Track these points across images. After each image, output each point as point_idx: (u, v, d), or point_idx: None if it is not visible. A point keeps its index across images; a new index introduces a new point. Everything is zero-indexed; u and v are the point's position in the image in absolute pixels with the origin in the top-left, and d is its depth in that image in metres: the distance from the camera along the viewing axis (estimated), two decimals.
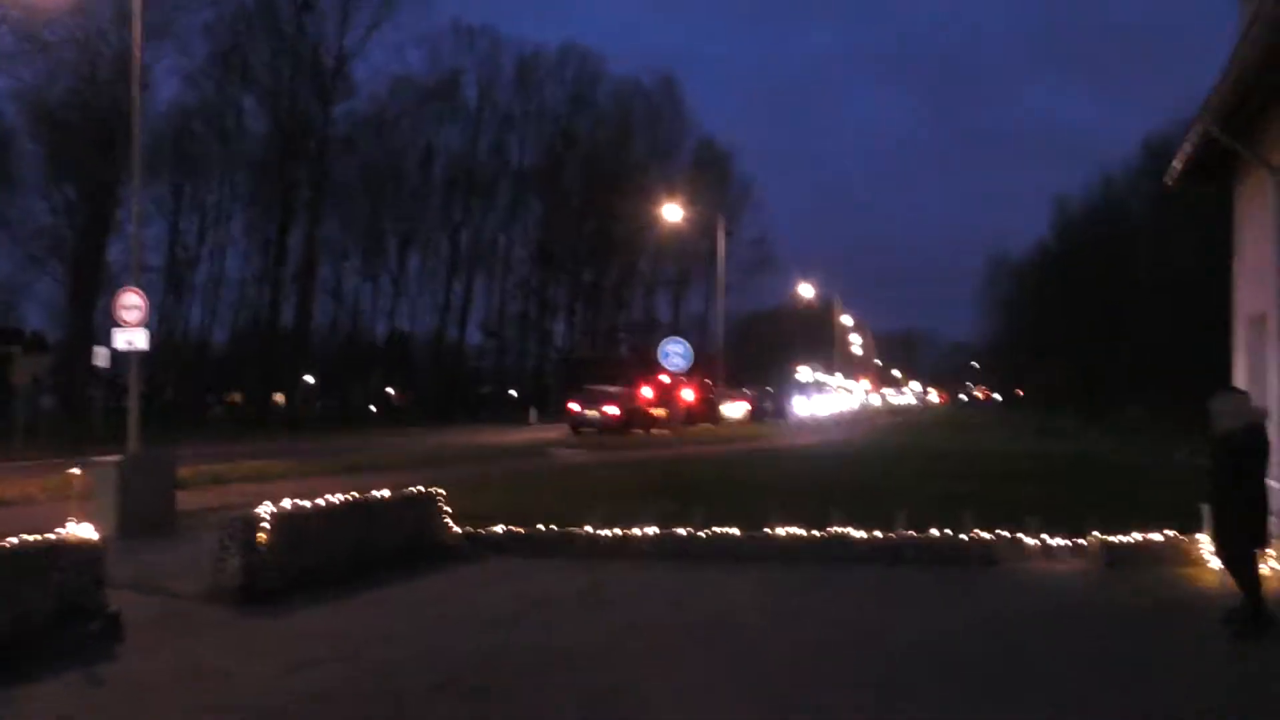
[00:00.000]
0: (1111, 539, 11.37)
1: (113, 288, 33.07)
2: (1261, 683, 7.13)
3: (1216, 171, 13.50)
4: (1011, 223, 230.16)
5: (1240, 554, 8.21)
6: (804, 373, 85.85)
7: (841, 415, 71.85)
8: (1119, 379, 63.04)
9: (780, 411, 63.06)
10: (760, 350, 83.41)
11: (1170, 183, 14.43)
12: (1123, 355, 60.41)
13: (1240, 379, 13.14)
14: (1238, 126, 11.17)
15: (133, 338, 16.90)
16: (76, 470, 13.07)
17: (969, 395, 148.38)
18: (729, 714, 6.47)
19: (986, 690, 6.86)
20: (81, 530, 8.25)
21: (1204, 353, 26.00)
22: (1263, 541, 8.27)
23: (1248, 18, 10.87)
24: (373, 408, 66.48)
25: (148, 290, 18.14)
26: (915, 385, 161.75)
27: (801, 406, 71.30)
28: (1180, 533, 11.19)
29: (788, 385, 79.66)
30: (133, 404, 17.18)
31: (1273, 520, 10.02)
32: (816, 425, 54.41)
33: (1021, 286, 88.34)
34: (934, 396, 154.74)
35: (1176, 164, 13.42)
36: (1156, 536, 11.33)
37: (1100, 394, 66.48)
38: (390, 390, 72.06)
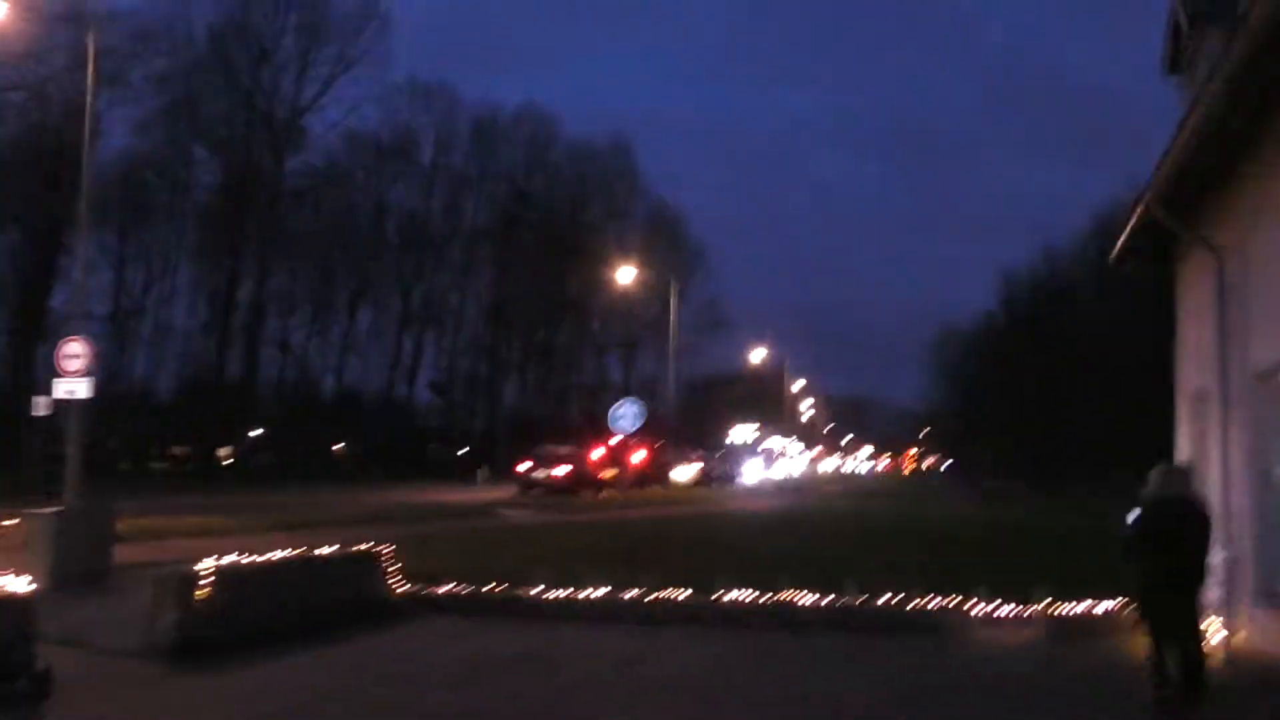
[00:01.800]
0: (1056, 610, 11.43)
1: (56, 335, 32.56)
2: None
3: (1159, 250, 13.80)
4: (965, 291, 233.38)
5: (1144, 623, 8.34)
6: (752, 436, 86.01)
7: (791, 480, 71.92)
8: (1063, 451, 63.79)
9: (730, 475, 63.04)
10: (711, 413, 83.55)
11: (1113, 261, 14.73)
12: (1066, 427, 61.18)
13: (1183, 451, 13.35)
14: (1178, 207, 11.44)
15: (74, 387, 16.63)
16: (11, 521, 12.74)
17: (917, 463, 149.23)
18: None
19: None
20: (14, 583, 8.04)
21: (1147, 426, 26.37)
22: (1148, 620, 8.31)
23: (1187, 102, 11.20)
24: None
25: (91, 339, 17.86)
26: (866, 449, 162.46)
27: (751, 471, 71.35)
28: (1127, 603, 11.26)
29: (738, 449, 79.75)
30: (73, 454, 16.87)
31: (1216, 594, 10.14)
32: (766, 490, 54.40)
33: (969, 357, 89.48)
34: (879, 465, 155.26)
35: (1119, 242, 13.70)
36: (1101, 607, 11.40)
37: (1045, 465, 67.21)
38: (337, 447, 71.23)
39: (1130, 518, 8.43)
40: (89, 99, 18.50)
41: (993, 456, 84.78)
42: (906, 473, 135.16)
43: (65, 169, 42.75)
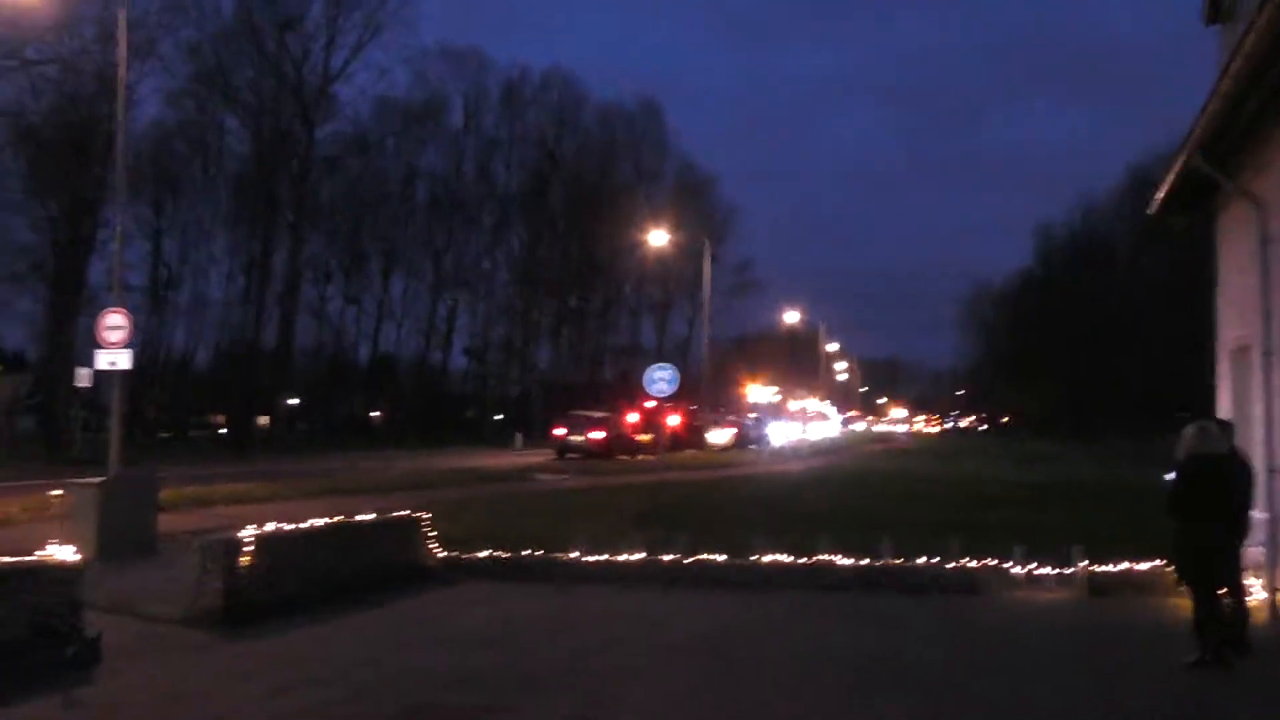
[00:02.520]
0: (1096, 568, 11.37)
1: (94, 307, 32.94)
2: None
3: (1198, 201, 13.60)
4: (997, 248, 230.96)
5: (1185, 584, 8.28)
6: (776, 398, 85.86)
7: (826, 442, 71.80)
8: (1104, 405, 63.34)
9: (765, 438, 63.01)
10: (746, 376, 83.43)
11: (1152, 213, 14.52)
12: (1107, 382, 60.73)
13: (1224, 408, 13.20)
14: (1219, 157, 11.26)
15: (116, 358, 16.79)
16: (57, 491, 12.93)
17: (954, 422, 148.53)
18: None
19: (957, 711, 6.82)
20: (61, 552, 8.17)
21: (1189, 379, 26.12)
22: (1189, 578, 8.22)
23: (1227, 50, 10.99)
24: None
25: (129, 310, 18.02)
26: (899, 412, 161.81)
27: (787, 433, 71.27)
28: (1167, 561, 11.19)
29: (773, 412, 79.64)
30: (115, 425, 17.06)
31: (1257, 551, 10.06)
32: (802, 452, 54.37)
33: (1005, 313, 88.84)
34: (913, 426, 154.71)
35: (1159, 194, 13.51)
36: (1142, 565, 11.34)
37: (1085, 420, 66.80)
38: (374, 414, 71.77)
39: (1169, 476, 8.36)
40: (121, 71, 18.55)
41: (1031, 413, 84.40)
42: (937, 432, 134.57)
43: (98, 142, 43.08)
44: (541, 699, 7.11)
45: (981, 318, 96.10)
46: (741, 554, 12.10)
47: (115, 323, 16.74)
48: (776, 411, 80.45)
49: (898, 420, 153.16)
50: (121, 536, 12.75)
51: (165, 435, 52.79)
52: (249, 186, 58.03)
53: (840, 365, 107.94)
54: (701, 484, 26.81)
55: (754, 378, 79.45)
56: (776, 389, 79.37)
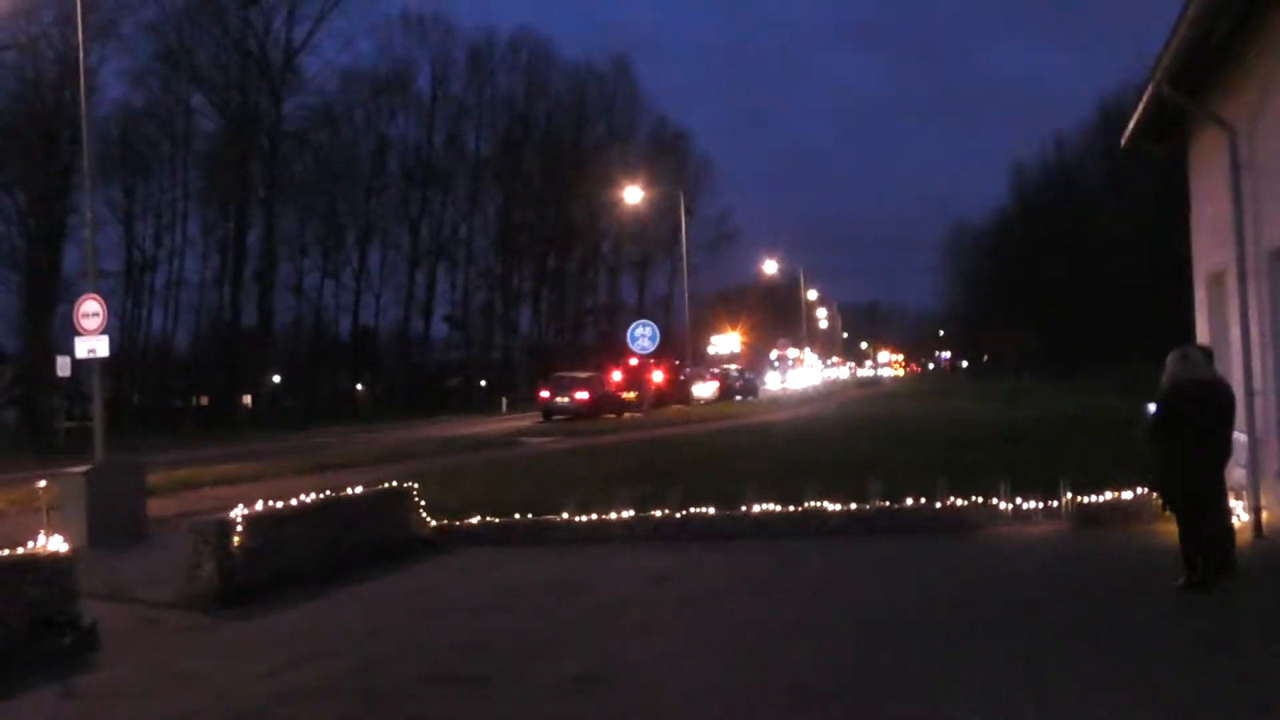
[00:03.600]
0: (1082, 499, 11.49)
1: (70, 295, 32.70)
2: (1215, 639, 7.20)
3: (1170, 130, 13.60)
4: (977, 187, 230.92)
5: (1170, 510, 8.39)
6: (784, 350, 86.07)
7: (810, 390, 72.06)
8: (1084, 340, 63.65)
9: (750, 389, 63.20)
10: (728, 328, 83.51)
11: (1124, 143, 14.53)
12: (1086, 316, 60.99)
13: (1202, 334, 13.29)
14: (1189, 84, 11.25)
15: (94, 345, 16.64)
16: (43, 482, 12.89)
17: (935, 364, 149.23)
18: (713, 682, 6.49)
19: (961, 648, 6.90)
20: (52, 543, 8.16)
21: (1167, 308, 26.27)
22: (1175, 504, 8.32)
23: None
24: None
25: (106, 296, 17.86)
26: (883, 356, 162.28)
27: (770, 383, 71.50)
28: (1150, 488, 11.29)
29: (756, 362, 79.84)
30: (97, 412, 16.95)
31: (1239, 472, 10.17)
32: (786, 401, 54.57)
33: (983, 253, 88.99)
34: (897, 369, 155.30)
35: (1130, 124, 13.51)
36: (1127, 494, 11.45)
37: (1066, 356, 67.14)
38: (359, 387, 71.60)
39: (1151, 407, 8.43)
40: (81, 54, 18.28)
41: (1012, 350, 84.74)
42: (912, 372, 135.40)
43: (64, 127, 42.63)
44: (548, 661, 7.16)
45: (961, 258, 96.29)
46: (732, 506, 12.17)
47: (91, 309, 16.57)
48: (768, 363, 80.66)
49: (882, 364, 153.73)
50: (111, 524, 12.74)
51: (149, 420, 52.50)
52: (219, 165, 57.54)
53: (821, 312, 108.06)
54: (688, 438, 26.90)
55: (731, 329, 79.24)
56: (741, 338, 79.02)
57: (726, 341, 77.82)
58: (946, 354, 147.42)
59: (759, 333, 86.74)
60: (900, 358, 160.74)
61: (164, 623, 8.81)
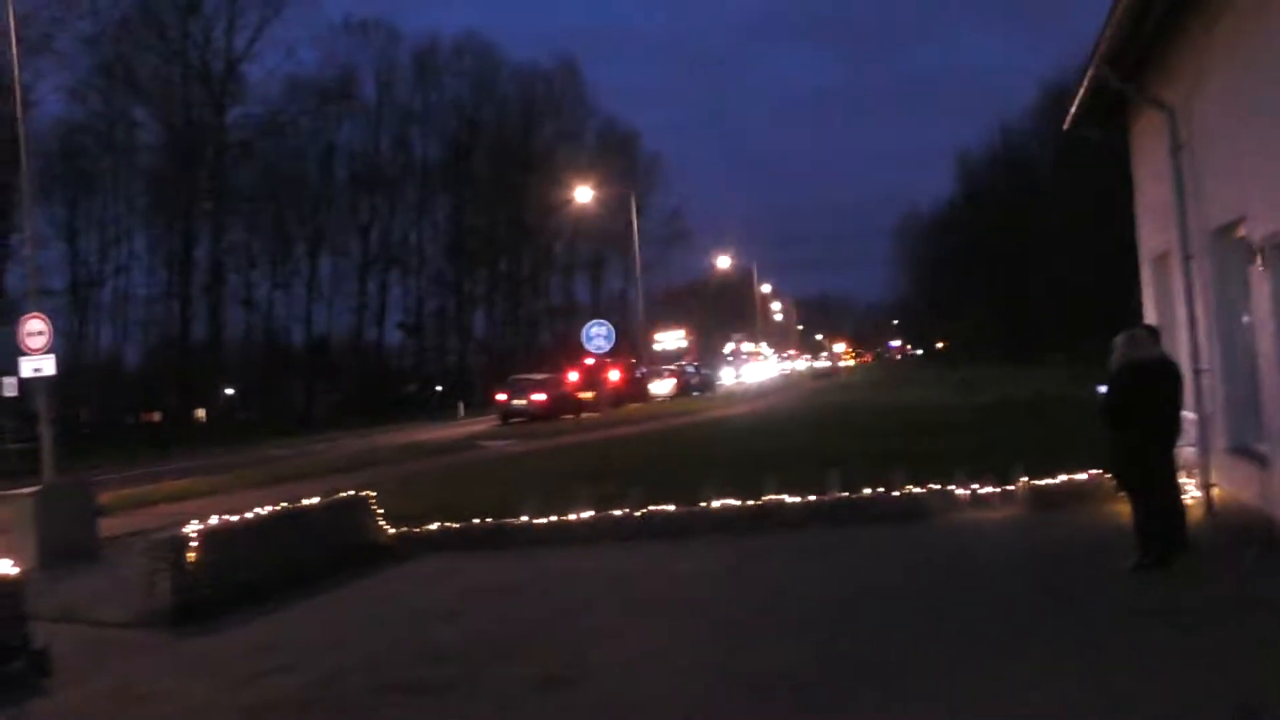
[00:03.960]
0: (1037, 483, 11.60)
1: (14, 314, 32.13)
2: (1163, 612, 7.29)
3: (1112, 113, 13.75)
4: (926, 178, 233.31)
5: (1124, 490, 8.51)
6: (738, 344, 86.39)
7: (766, 383, 72.37)
8: (1034, 324, 64.36)
9: (707, 384, 63.34)
10: (682, 325, 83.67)
11: (1067, 127, 14.68)
12: (1036, 300, 61.66)
13: (1149, 315, 13.47)
14: (1127, 67, 11.38)
15: (40, 364, 16.41)
16: None
17: (886, 353, 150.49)
18: (676, 681, 6.48)
19: (920, 635, 6.94)
20: (0, 565, 8.00)
21: (1116, 290, 26.60)
22: (1127, 484, 8.45)
23: None
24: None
25: (51, 314, 17.61)
26: (838, 347, 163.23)
27: (726, 377, 71.69)
28: (1105, 469, 11.42)
29: (711, 358, 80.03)
30: (45, 432, 16.70)
31: (1189, 451, 10.31)
32: (743, 395, 54.73)
33: (933, 241, 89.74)
34: (847, 359, 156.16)
35: (1072, 108, 13.65)
36: (1080, 476, 11.57)
37: (1018, 340, 67.83)
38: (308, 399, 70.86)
39: (1102, 389, 8.53)
40: (16, 69, 18.00)
41: (963, 337, 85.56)
42: (863, 362, 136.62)
43: (2, 146, 41.83)
44: (511, 665, 7.12)
45: (911, 247, 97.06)
46: (692, 502, 12.17)
47: (36, 328, 16.34)
48: (723, 358, 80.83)
49: (837, 356, 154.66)
50: (62, 545, 12.52)
51: (99, 438, 51.75)
52: (164, 178, 56.83)
53: (775, 306, 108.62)
54: (646, 436, 26.89)
55: (675, 325, 79.04)
56: (684, 334, 78.80)
57: (671, 338, 77.40)
58: (895, 343, 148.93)
59: (712, 328, 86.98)
60: (847, 348, 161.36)
61: (120, 643, 8.68)
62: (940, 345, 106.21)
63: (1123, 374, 8.31)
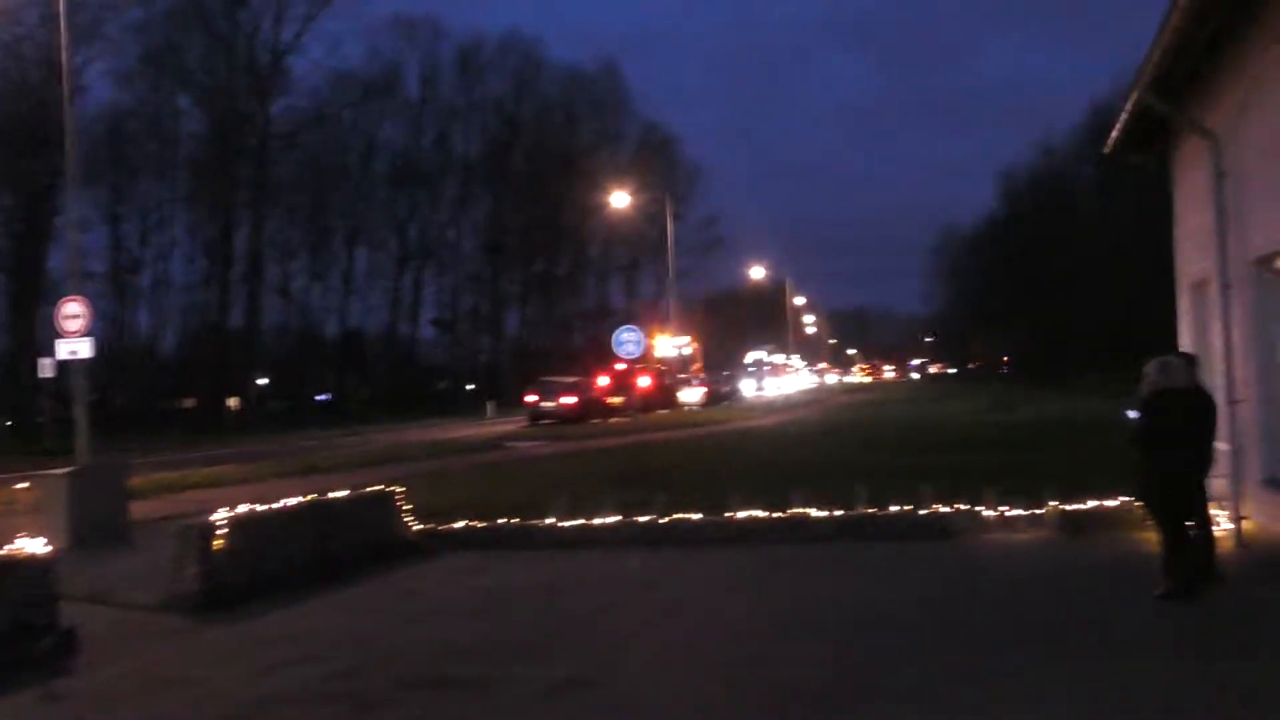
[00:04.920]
0: (1067, 507, 11.51)
1: (55, 296, 32.60)
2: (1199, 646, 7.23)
3: (1155, 138, 13.67)
4: (966, 192, 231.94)
5: (1153, 519, 8.44)
6: (759, 355, 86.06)
7: (797, 395, 72.15)
8: (1070, 346, 63.88)
9: (737, 394, 63.23)
10: (715, 334, 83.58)
11: (1109, 151, 14.59)
12: (1073, 321, 61.19)
13: (1185, 342, 13.35)
14: (1171, 93, 11.31)
15: (76, 347, 16.61)
16: (25, 484, 12.83)
17: (921, 370, 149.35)
18: (696, 686, 6.50)
19: (941, 656, 6.91)
20: (32, 545, 8.12)
21: (1154, 314, 26.38)
22: (1156, 513, 8.37)
23: None
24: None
25: (91, 297, 17.84)
26: (870, 360, 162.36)
27: (758, 388, 71.52)
28: (1135, 496, 11.32)
29: (744, 368, 79.84)
30: (80, 414, 16.90)
31: (1221, 481, 10.21)
32: (774, 406, 54.61)
33: (971, 258, 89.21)
34: (862, 375, 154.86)
35: (1115, 131, 13.56)
36: (1111, 502, 11.48)
37: (1052, 361, 67.34)
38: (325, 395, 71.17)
39: (1131, 414, 8.47)
40: (65, 55, 18.24)
41: (999, 356, 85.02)
42: (896, 379, 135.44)
43: (50, 128, 42.37)
44: (533, 666, 7.15)
45: (950, 263, 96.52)
46: (718, 511, 12.17)
47: (73, 311, 16.55)
48: (754, 367, 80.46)
49: (866, 370, 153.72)
50: (93, 526, 12.68)
51: (134, 422, 52.31)
52: (206, 166, 57.39)
53: (809, 318, 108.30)
54: (675, 444, 26.89)
55: (735, 336, 78.43)
56: (688, 340, 77.83)
57: (672, 345, 75.85)
58: (916, 361, 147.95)
59: (739, 338, 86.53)
60: (863, 365, 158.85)
61: (146, 626, 8.77)
62: (973, 365, 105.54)
63: (1153, 401, 8.26)
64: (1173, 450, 8.18)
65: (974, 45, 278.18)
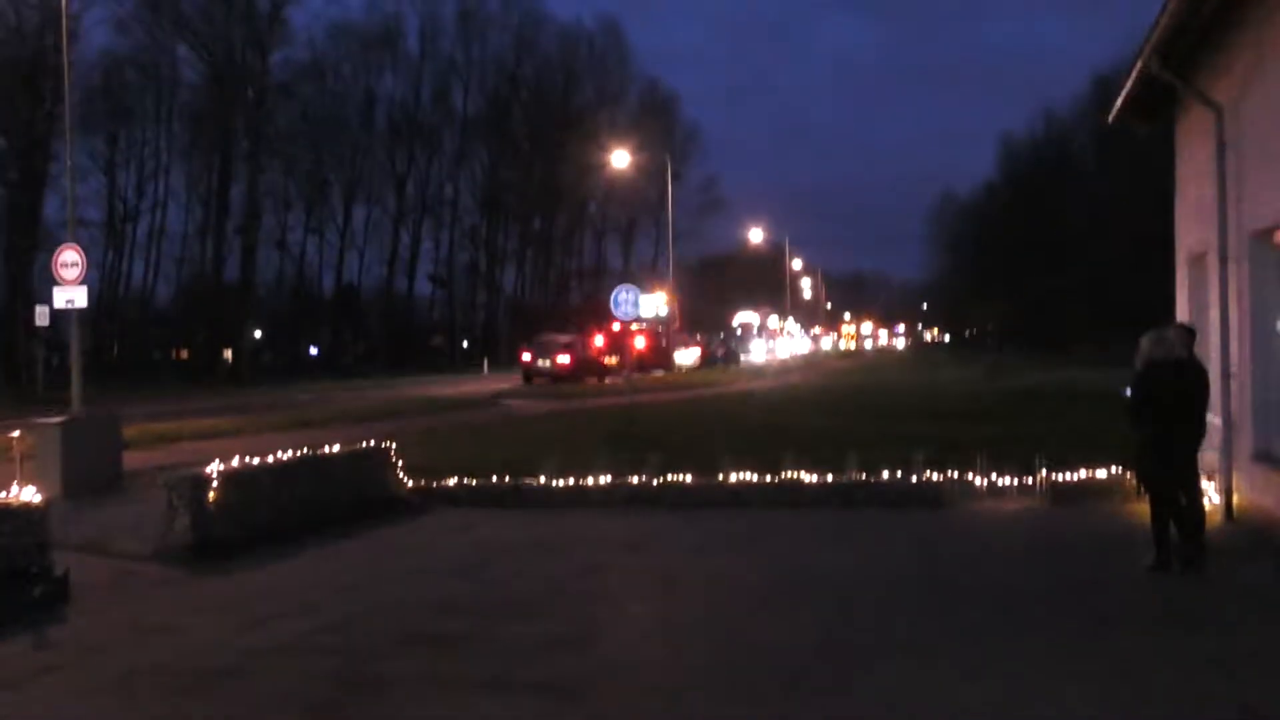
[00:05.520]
0: (1057, 477, 11.54)
1: (50, 244, 32.47)
2: (1181, 611, 7.27)
3: (1158, 107, 13.59)
4: (965, 159, 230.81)
5: (1145, 491, 8.48)
6: (754, 318, 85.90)
7: (792, 359, 72.18)
8: (1067, 315, 63.87)
9: (732, 357, 63.25)
10: (712, 295, 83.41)
11: (1112, 119, 14.50)
12: (1070, 290, 61.14)
13: (1182, 313, 13.34)
14: (1177, 61, 11.22)
15: (72, 296, 16.55)
16: (18, 432, 12.83)
17: (916, 336, 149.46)
18: (683, 646, 6.53)
19: (930, 624, 6.95)
20: (25, 493, 8.12)
21: (1151, 284, 26.37)
22: (1148, 485, 8.40)
23: None
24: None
25: (87, 246, 17.78)
26: (866, 325, 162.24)
27: (753, 352, 71.52)
28: (1124, 468, 11.37)
29: (739, 331, 79.74)
30: (75, 363, 16.88)
31: (1212, 455, 10.23)
32: (768, 370, 54.65)
33: (969, 225, 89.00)
34: (880, 339, 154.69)
35: (1119, 100, 13.48)
36: (1101, 473, 11.51)
37: (1048, 330, 67.39)
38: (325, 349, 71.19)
39: (1127, 390, 8.48)
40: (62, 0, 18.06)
41: (995, 323, 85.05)
42: (889, 346, 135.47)
43: (46, 75, 42.08)
44: (524, 623, 7.18)
45: (948, 230, 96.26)
46: (709, 474, 12.19)
47: (70, 259, 16.47)
48: (750, 330, 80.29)
49: (865, 334, 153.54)
50: (86, 475, 12.69)
51: (128, 371, 52.27)
52: (204, 116, 56.97)
53: (806, 282, 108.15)
54: (669, 405, 26.92)
55: (731, 299, 77.89)
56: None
57: (648, 303, 74.86)
58: (901, 328, 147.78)
59: (736, 302, 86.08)
60: (852, 330, 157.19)
61: (137, 575, 8.80)
62: (969, 333, 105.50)
63: (1146, 373, 8.27)
64: (1163, 422, 8.19)
65: (978, 9, 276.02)
